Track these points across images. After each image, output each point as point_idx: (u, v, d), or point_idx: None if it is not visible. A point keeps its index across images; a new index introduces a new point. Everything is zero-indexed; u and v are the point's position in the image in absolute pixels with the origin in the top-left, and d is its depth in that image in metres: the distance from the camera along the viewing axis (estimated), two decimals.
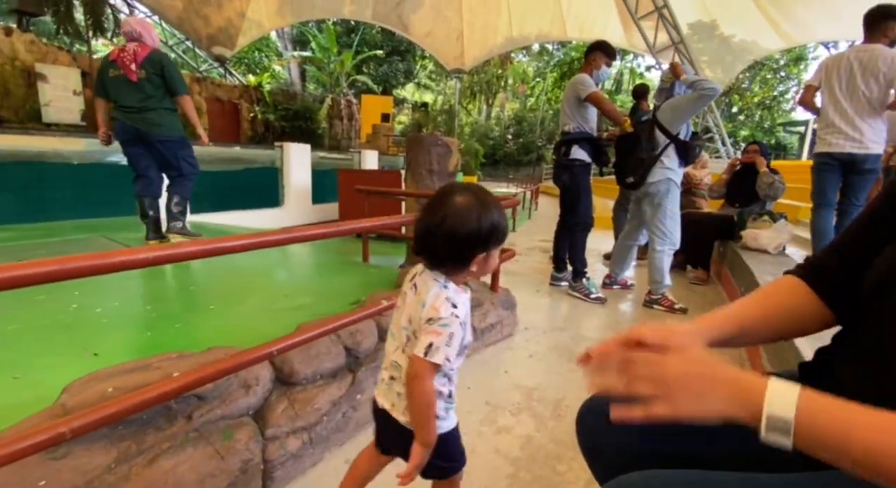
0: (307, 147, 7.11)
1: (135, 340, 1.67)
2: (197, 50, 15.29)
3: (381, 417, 0.96)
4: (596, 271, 3.97)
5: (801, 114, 23.49)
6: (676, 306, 2.94)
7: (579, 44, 21.44)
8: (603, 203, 5.63)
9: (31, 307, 1.83)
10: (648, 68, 23.77)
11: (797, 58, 21.52)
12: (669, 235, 2.94)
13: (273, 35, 20.33)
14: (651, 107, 2.94)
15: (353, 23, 20.33)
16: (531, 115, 27.50)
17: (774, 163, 3.89)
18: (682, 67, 2.93)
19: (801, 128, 20.26)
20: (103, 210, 4.79)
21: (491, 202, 0.88)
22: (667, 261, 2.97)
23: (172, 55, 17.71)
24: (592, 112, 3.11)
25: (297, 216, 6.85)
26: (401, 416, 0.92)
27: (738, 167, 3.95)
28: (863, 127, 2.55)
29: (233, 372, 1.16)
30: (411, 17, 15.04)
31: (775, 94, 23.52)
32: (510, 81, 27.29)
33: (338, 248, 4.01)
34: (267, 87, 14.86)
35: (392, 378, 0.94)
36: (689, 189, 4.26)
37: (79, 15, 11.36)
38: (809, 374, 0.69)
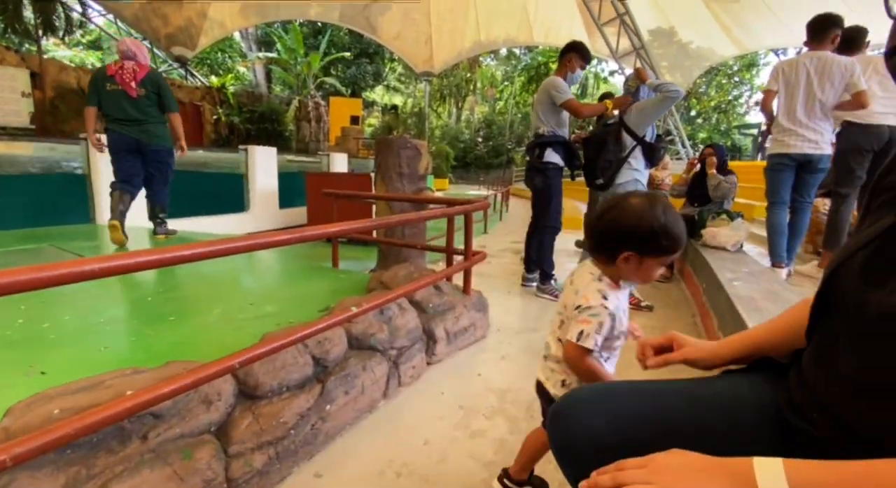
0: (273, 150, 6.95)
1: (86, 356, 1.57)
2: (156, 50, 14.71)
3: (540, 391, 1.10)
4: (566, 271, 4.04)
5: (753, 117, 24.78)
6: (643, 304, 3.01)
7: (546, 48, 21.89)
8: (573, 205, 5.74)
9: None
10: (612, 73, 24.52)
11: (749, 64, 22.73)
12: None
13: (237, 35, 19.82)
14: (616, 113, 3.01)
15: (320, 24, 20.06)
16: (500, 119, 27.86)
17: (730, 165, 4.06)
18: (647, 71, 3.02)
19: (755, 131, 21.33)
20: (54, 218, 4.52)
21: (662, 211, 0.90)
22: None
23: None
24: (565, 114, 3.15)
25: (264, 221, 6.67)
26: (551, 388, 1.05)
27: (697, 168, 4.11)
28: (819, 129, 2.70)
29: (192, 388, 1.10)
30: (379, 20, 14.97)
31: (730, 98, 24.73)
32: (479, 85, 27.55)
33: (306, 254, 3.93)
34: (231, 89, 14.45)
35: (545, 357, 1.11)
36: (651, 190, 4.40)
37: (29, 13, 10.74)
38: (781, 366, 0.72)
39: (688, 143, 12.90)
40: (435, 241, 3.69)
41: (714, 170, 3.76)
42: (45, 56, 8.98)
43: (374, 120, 25.15)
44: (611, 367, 1.04)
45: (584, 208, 4.76)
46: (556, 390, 1.04)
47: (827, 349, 0.58)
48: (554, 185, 3.18)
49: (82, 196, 4.74)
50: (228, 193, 6.62)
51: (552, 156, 3.12)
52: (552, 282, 3.23)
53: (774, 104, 2.89)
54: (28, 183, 4.73)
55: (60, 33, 11.81)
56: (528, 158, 3.30)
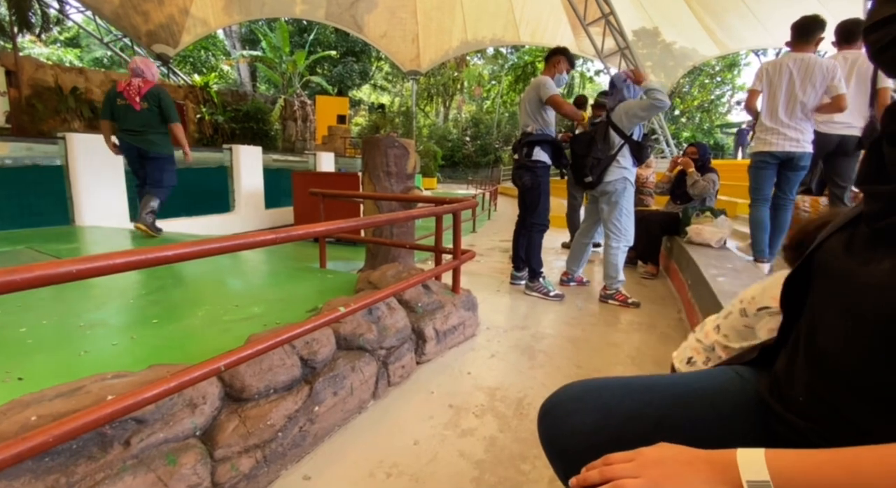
0: (258, 149, 6.87)
1: (66, 361, 1.52)
2: (136, 47, 14.42)
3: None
4: (553, 269, 4.07)
5: (735, 116, 25.27)
6: (630, 301, 3.05)
7: (532, 48, 22.00)
8: (559, 203, 5.78)
9: None
10: (598, 73, 24.73)
11: (731, 64, 23.18)
12: (625, 232, 3.05)
13: (220, 33, 19.52)
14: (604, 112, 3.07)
15: (305, 22, 19.86)
16: (488, 118, 27.90)
17: (713, 163, 4.13)
18: (643, 73, 3.04)
19: (736, 130, 21.73)
20: (32, 220, 4.41)
21: None
22: (621, 257, 3.08)
23: (109, 53, 16.62)
24: (552, 113, 3.17)
25: (249, 221, 6.59)
26: (677, 363, 1.10)
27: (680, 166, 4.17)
28: (801, 129, 2.77)
29: (176, 392, 1.08)
30: (365, 18, 14.88)
31: (712, 97, 25.17)
32: (466, 84, 27.57)
33: (294, 254, 3.89)
34: (215, 88, 14.21)
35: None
36: (637, 188, 4.45)
37: (3, 10, 10.42)
38: (762, 359, 0.74)
39: (672, 142, 13.09)
40: (423, 241, 3.68)
41: (692, 169, 3.82)
42: (21, 53, 8.69)
43: (361, 119, 25.03)
44: None
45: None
46: (680, 365, 1.10)
47: (809, 327, 0.60)
48: (542, 184, 3.20)
49: (61, 197, 4.62)
50: (213, 193, 6.52)
51: (541, 155, 3.14)
52: (541, 280, 3.24)
53: (759, 104, 2.95)
54: (4, 184, 4.59)
55: (37, 30, 11.50)
56: (516, 157, 3.31)
